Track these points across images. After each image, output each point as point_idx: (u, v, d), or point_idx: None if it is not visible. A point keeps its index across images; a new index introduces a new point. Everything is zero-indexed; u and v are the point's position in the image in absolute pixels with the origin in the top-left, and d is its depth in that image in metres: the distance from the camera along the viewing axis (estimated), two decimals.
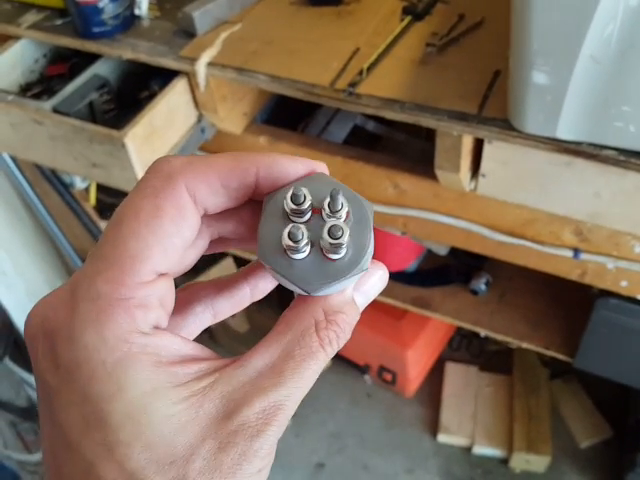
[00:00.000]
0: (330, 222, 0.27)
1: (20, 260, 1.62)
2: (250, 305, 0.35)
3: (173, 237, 0.26)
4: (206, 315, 0.32)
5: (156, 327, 0.26)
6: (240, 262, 1.74)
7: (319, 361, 0.27)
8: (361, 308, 0.30)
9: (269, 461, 0.26)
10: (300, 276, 0.27)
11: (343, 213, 0.28)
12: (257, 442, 0.25)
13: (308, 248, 0.28)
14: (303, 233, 0.27)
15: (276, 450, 0.26)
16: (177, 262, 0.27)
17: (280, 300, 1.65)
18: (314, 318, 0.28)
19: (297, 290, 0.28)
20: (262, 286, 0.34)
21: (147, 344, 0.25)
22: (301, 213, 0.28)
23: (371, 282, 0.30)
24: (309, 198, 0.28)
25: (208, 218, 0.29)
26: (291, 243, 0.27)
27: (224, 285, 0.33)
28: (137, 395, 0.24)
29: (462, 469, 1.66)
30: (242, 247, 0.33)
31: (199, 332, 0.32)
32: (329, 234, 0.27)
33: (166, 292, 0.26)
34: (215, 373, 0.26)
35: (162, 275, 0.26)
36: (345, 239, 0.27)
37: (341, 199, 0.28)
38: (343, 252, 0.27)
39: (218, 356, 0.28)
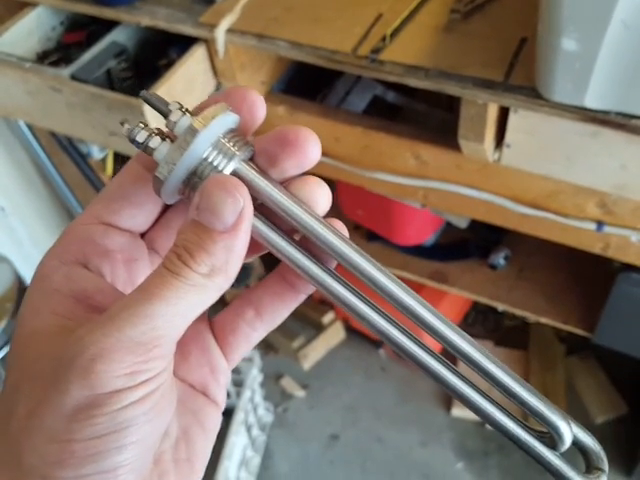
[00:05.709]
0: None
1: (36, 231, 1.62)
2: None
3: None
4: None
5: (80, 263, 0.29)
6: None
7: (167, 282, 0.25)
8: (209, 220, 0.26)
9: (120, 386, 0.24)
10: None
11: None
12: (75, 354, 0.24)
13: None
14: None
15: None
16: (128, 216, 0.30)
17: None
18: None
19: None
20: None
21: (52, 273, 0.28)
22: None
23: (203, 192, 0.27)
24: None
25: None
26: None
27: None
28: (26, 315, 0.28)
29: (476, 443, 1.66)
30: None
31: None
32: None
33: (101, 234, 0.30)
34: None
35: (104, 224, 0.30)
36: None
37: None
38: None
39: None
